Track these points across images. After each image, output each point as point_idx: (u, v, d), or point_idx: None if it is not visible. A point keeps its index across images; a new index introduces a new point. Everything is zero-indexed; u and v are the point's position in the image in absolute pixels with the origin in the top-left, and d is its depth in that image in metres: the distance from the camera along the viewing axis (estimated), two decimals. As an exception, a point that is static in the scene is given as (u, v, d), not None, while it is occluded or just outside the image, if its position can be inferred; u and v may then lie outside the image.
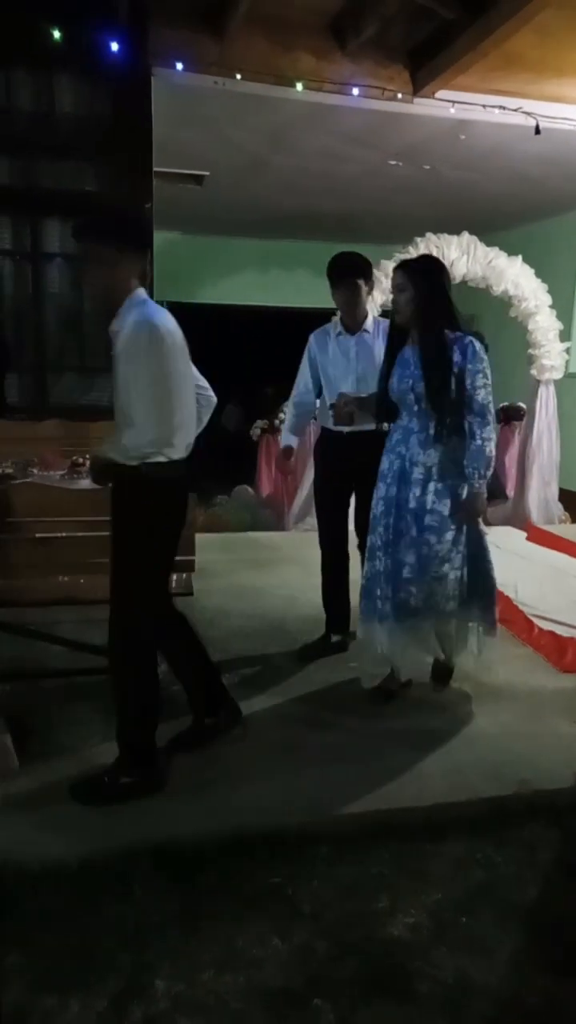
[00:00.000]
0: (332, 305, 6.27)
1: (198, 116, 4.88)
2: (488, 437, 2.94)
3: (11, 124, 4.19)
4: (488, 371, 2.92)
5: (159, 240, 4.40)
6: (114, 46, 4.02)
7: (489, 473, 2.96)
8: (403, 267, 2.96)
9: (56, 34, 3.92)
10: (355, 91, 4.63)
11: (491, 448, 2.94)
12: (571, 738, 3.02)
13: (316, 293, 6.06)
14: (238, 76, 4.32)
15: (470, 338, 2.91)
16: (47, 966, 1.88)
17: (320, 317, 5.17)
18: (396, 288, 2.94)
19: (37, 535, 3.10)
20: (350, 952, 1.96)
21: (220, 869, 2.22)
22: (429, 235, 6.05)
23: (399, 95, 4.74)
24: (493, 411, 2.95)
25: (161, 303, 3.69)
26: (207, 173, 6.02)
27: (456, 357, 2.88)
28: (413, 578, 3.00)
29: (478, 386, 2.90)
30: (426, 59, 4.66)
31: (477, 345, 2.92)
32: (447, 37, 4.38)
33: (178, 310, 7.02)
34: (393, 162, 5.90)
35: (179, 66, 4.19)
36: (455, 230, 6.04)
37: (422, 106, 4.85)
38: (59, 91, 4.25)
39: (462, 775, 2.74)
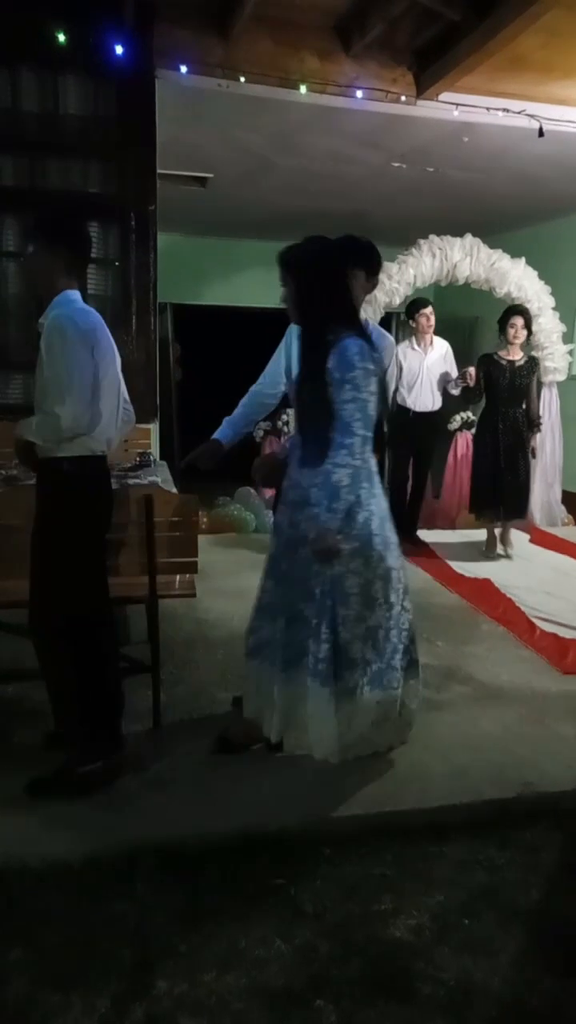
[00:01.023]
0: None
1: (202, 117, 4.89)
2: (340, 463, 2.41)
3: (16, 124, 4.20)
4: (362, 380, 2.42)
5: (163, 242, 4.40)
6: (119, 48, 4.02)
7: (339, 506, 2.43)
8: (279, 258, 2.56)
9: (61, 35, 3.92)
10: (359, 93, 4.63)
11: (341, 476, 2.41)
12: (571, 739, 3.01)
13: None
14: (243, 78, 4.32)
15: (349, 340, 2.43)
16: (50, 964, 1.88)
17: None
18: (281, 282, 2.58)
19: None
20: (353, 953, 1.96)
21: (223, 868, 2.22)
22: (432, 237, 6.06)
23: (403, 97, 4.74)
24: (364, 430, 2.44)
25: (165, 305, 3.70)
26: (211, 175, 6.02)
27: (330, 363, 2.43)
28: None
29: (344, 399, 2.41)
30: (431, 61, 4.65)
31: (353, 347, 2.42)
32: (452, 38, 4.37)
33: (183, 312, 7.05)
34: (397, 164, 5.90)
35: (184, 68, 4.19)
36: (460, 231, 6.05)
37: (426, 108, 4.84)
38: (64, 92, 4.25)
39: (465, 777, 2.74)
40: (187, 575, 2.95)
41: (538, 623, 4.24)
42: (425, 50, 4.67)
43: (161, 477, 3.72)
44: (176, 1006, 1.79)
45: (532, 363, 5.53)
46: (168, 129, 4.44)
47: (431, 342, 5.80)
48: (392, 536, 2.65)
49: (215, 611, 3.92)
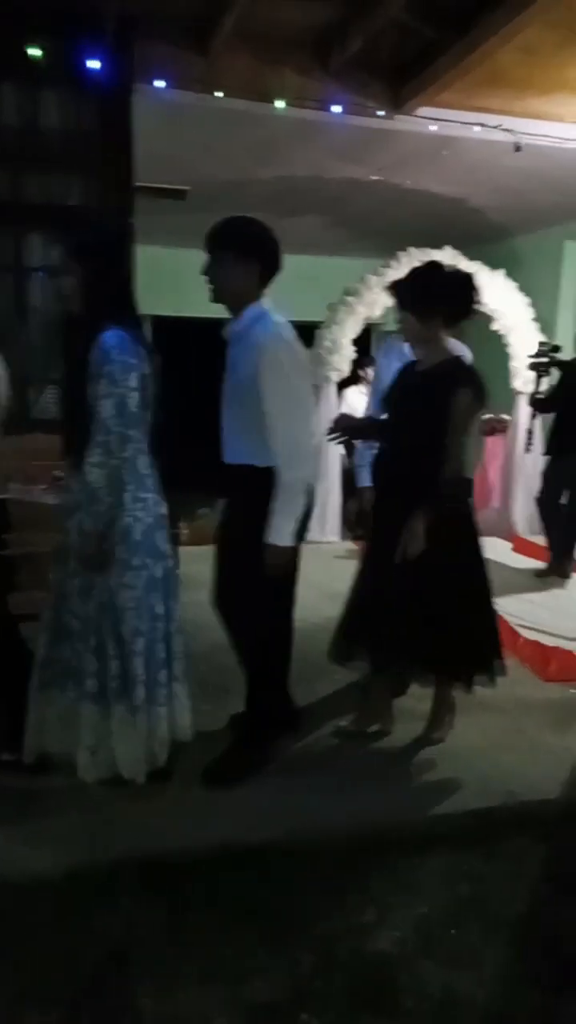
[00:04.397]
0: (319, 318, 6.31)
1: (182, 131, 4.90)
2: (95, 462, 2.31)
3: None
4: (119, 374, 2.30)
5: (143, 254, 4.41)
6: (98, 63, 4.04)
7: (98, 508, 2.34)
8: (64, 245, 2.45)
9: (41, 50, 3.93)
10: (338, 108, 4.67)
11: (97, 476, 2.32)
12: (557, 749, 3.02)
13: (303, 306, 6.10)
14: (222, 93, 4.34)
15: (109, 332, 2.32)
16: (31, 980, 1.86)
17: (307, 330, 5.20)
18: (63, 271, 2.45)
19: (19, 551, 3.07)
20: (337, 966, 1.95)
21: (207, 882, 2.20)
22: (411, 250, 6.11)
23: (382, 112, 4.79)
24: (123, 427, 2.34)
25: (146, 317, 3.70)
26: (189, 188, 6.05)
27: (91, 355, 2.33)
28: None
29: (100, 395, 2.31)
30: (410, 76, 4.70)
31: (111, 339, 2.31)
32: (431, 54, 4.42)
33: (165, 324, 7.04)
34: (375, 177, 5.95)
35: (164, 82, 4.21)
36: (440, 243, 6.10)
37: (404, 123, 4.89)
38: (44, 105, 4.26)
39: (449, 788, 2.74)
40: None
41: (521, 631, 4.25)
42: (404, 66, 4.71)
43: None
44: (158, 1021, 1.76)
45: None
46: (147, 142, 4.45)
47: None
48: (163, 545, 2.54)
49: (195, 622, 3.87)
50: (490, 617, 2.99)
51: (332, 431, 3.03)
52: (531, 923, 2.15)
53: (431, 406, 2.70)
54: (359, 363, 6.55)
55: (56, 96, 4.19)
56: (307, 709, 3.17)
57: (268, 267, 2.57)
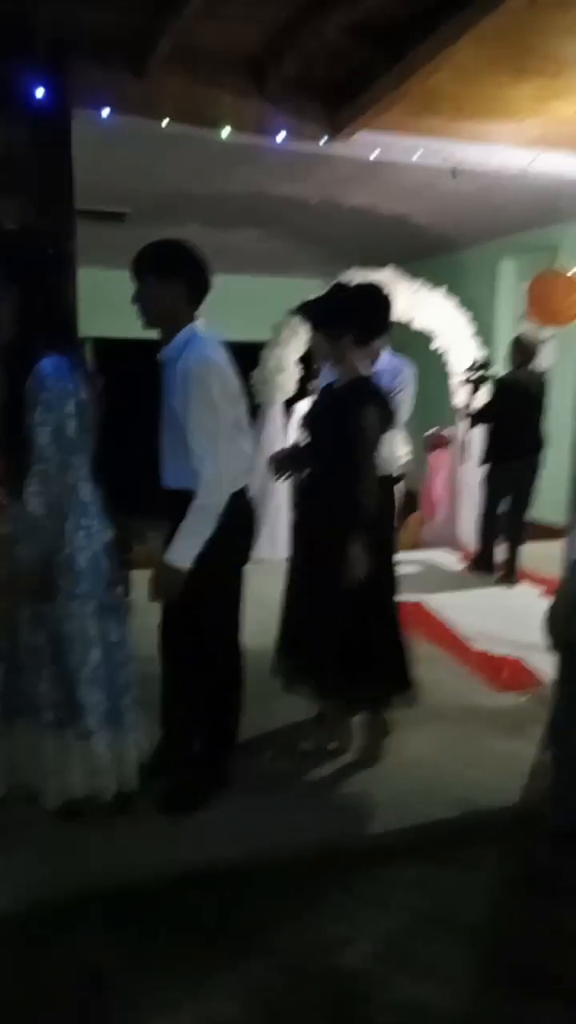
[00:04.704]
0: (262, 337, 6.35)
1: (120, 154, 4.91)
2: (33, 490, 2.29)
3: None
4: (55, 400, 2.28)
5: (85, 276, 4.39)
6: (34, 86, 4.01)
7: (40, 537, 2.33)
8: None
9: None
10: (275, 131, 4.73)
11: (35, 505, 2.30)
12: (509, 755, 3.06)
13: (245, 326, 6.14)
14: (160, 116, 4.35)
15: (47, 358, 2.31)
16: (-4, 1024, 1.80)
17: (249, 350, 5.23)
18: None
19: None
20: (309, 984, 1.95)
21: (173, 907, 2.19)
22: (354, 270, 6.20)
23: (319, 136, 4.86)
24: (61, 454, 2.31)
25: (88, 339, 3.68)
26: (128, 210, 6.05)
27: (28, 382, 2.30)
28: None
29: (36, 423, 2.28)
30: (346, 99, 4.78)
31: (47, 366, 2.30)
32: (366, 78, 4.50)
33: (107, 346, 6.96)
34: (315, 200, 6.04)
35: (100, 105, 4.21)
36: (382, 262, 6.20)
37: (342, 147, 4.97)
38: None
39: (405, 799, 2.76)
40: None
41: (470, 642, 4.32)
42: (340, 89, 4.79)
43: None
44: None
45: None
46: (85, 165, 4.44)
47: None
48: (110, 572, 2.52)
49: (147, 646, 3.81)
50: (401, 638, 3.06)
51: (275, 472, 3.09)
52: (497, 932, 2.17)
53: (340, 425, 2.74)
54: (306, 378, 6.61)
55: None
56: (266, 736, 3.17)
57: (194, 287, 2.54)
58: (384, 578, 2.95)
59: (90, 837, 2.47)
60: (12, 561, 2.41)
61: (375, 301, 3.01)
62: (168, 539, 2.62)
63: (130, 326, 2.67)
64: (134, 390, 4.19)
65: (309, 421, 3.00)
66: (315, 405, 3.07)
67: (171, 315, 2.53)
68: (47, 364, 2.31)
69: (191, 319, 2.55)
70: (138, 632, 2.65)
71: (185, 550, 2.44)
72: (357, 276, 6.06)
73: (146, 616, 2.73)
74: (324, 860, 2.41)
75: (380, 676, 2.95)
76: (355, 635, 2.85)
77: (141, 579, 2.55)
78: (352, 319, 2.81)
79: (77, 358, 2.45)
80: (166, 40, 4.01)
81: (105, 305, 5.18)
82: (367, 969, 2.01)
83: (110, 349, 6.65)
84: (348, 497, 2.69)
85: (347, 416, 2.72)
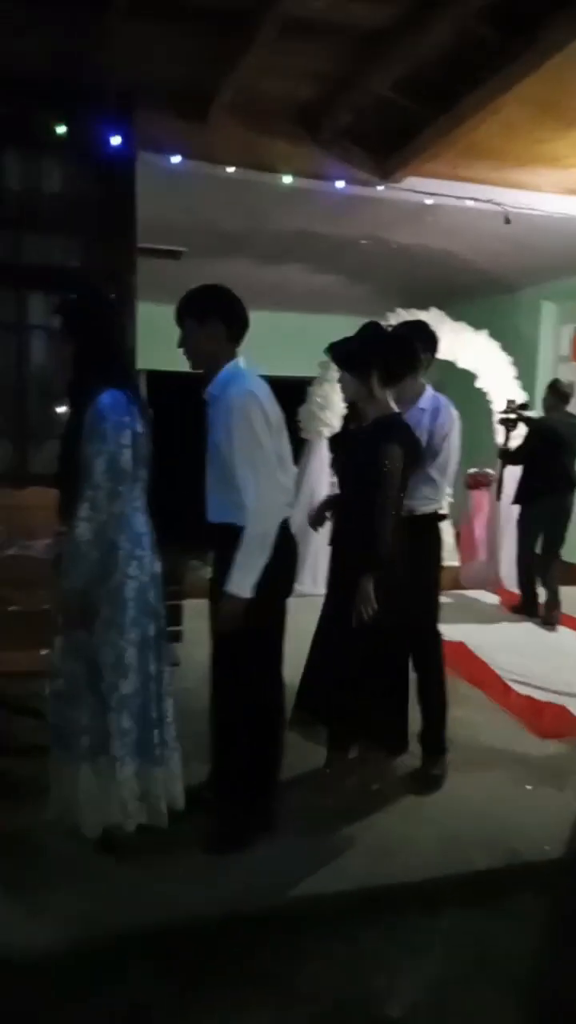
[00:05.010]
0: (309, 373, 6.44)
1: (178, 196, 5.07)
2: (83, 515, 2.35)
3: (2, 203, 4.34)
4: (111, 432, 2.37)
5: (144, 311, 4.52)
6: (103, 133, 4.20)
7: (83, 565, 2.37)
8: (59, 309, 2.56)
9: (47, 120, 4.09)
10: (328, 177, 4.87)
11: (83, 530, 2.35)
12: (558, 804, 3.03)
13: (293, 362, 6.24)
14: (219, 161, 4.52)
15: (105, 392, 2.40)
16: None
17: (294, 387, 5.31)
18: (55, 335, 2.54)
19: (19, 608, 3.08)
20: (353, 1034, 1.93)
21: (214, 951, 2.18)
22: (399, 310, 6.28)
23: (370, 181, 4.99)
24: (112, 483, 2.38)
25: (142, 372, 3.77)
26: (185, 249, 6.21)
27: (86, 415, 2.40)
28: None
29: (92, 453, 2.37)
30: (396, 147, 4.90)
31: (106, 399, 2.39)
32: (415, 127, 4.63)
33: (159, 379, 7.09)
34: (364, 241, 6.16)
35: (164, 150, 4.38)
36: (426, 303, 6.27)
37: (391, 191, 5.10)
38: (48, 172, 4.41)
39: (452, 845, 2.74)
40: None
41: (513, 685, 4.28)
42: (390, 138, 4.92)
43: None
44: None
45: None
46: (145, 206, 4.61)
47: None
48: (156, 604, 2.56)
49: (195, 679, 3.82)
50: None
51: (312, 523, 3.17)
52: (542, 982, 2.14)
53: (365, 462, 2.78)
54: (351, 416, 6.66)
55: (60, 163, 4.35)
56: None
57: (232, 326, 2.63)
58: (421, 616, 2.97)
59: (131, 872, 2.48)
60: (59, 588, 2.46)
61: (402, 341, 3.05)
62: (215, 571, 2.67)
63: (182, 360, 2.78)
64: (182, 423, 4.29)
65: (338, 460, 3.03)
66: (343, 444, 3.10)
67: (213, 355, 2.63)
68: (105, 397, 2.40)
69: (232, 356, 2.65)
70: (187, 663, 2.67)
71: (243, 580, 2.49)
72: (402, 316, 6.16)
73: (195, 648, 2.75)
74: (367, 905, 2.40)
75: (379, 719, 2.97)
76: (368, 676, 2.85)
77: (191, 609, 2.57)
78: (378, 358, 2.85)
79: (134, 391, 2.54)
80: (226, 91, 4.18)
81: (159, 339, 5.31)
82: (409, 1021, 1.98)
83: (162, 382, 6.82)
84: (365, 534, 2.72)
85: (371, 454, 2.76)
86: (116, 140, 4.27)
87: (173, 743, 2.62)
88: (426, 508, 3.12)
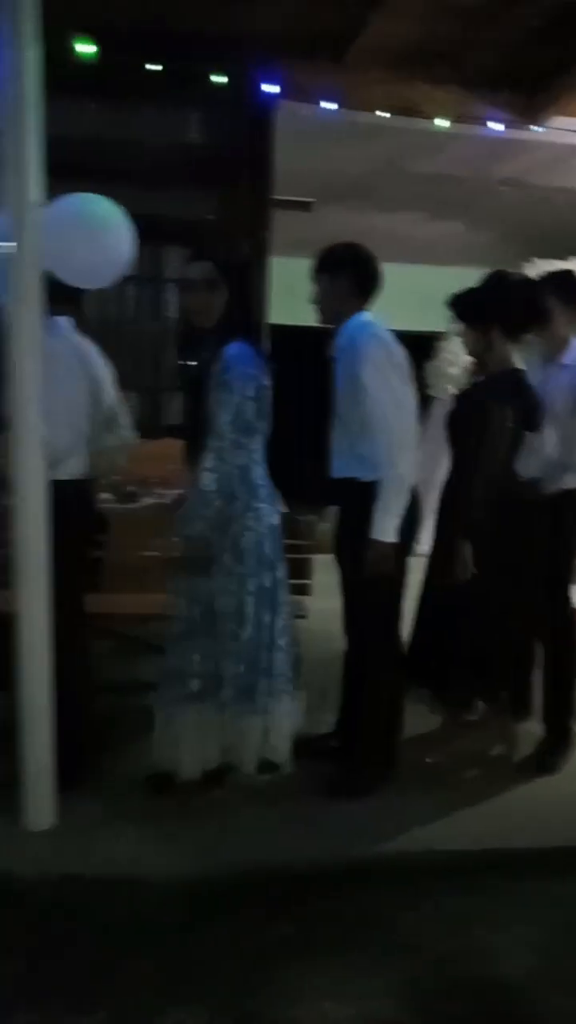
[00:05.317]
0: (439, 328, 6.27)
1: (313, 145, 4.98)
2: (208, 466, 2.39)
3: (138, 156, 4.40)
4: (238, 385, 2.40)
5: (276, 265, 4.52)
6: (243, 83, 4.16)
7: (207, 512, 2.41)
8: (210, 258, 2.52)
9: (191, 72, 4.09)
10: (471, 119, 4.66)
11: (208, 480, 2.40)
12: None
13: (419, 317, 6.08)
14: (361, 107, 4.41)
15: (234, 344, 2.44)
16: (170, 979, 1.93)
17: (423, 342, 5.17)
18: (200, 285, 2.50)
19: (152, 553, 3.20)
20: (463, 991, 1.95)
21: (329, 896, 2.24)
22: (535, 260, 5.99)
23: (516, 123, 4.74)
24: (236, 434, 2.41)
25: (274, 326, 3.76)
26: (314, 200, 6.13)
27: (214, 365, 2.44)
28: None
29: (218, 403, 2.40)
30: (543, 88, 4.63)
31: (232, 351, 2.42)
32: (564, 65, 4.35)
33: (294, 333, 7.09)
34: (504, 188, 5.88)
35: (304, 99, 4.31)
36: (563, 253, 5.95)
37: (537, 133, 4.83)
38: (183, 124, 4.43)
39: (571, 813, 2.69)
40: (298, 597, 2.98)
41: None
42: (537, 76, 4.64)
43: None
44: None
45: None
46: (279, 156, 4.56)
47: None
48: (273, 555, 2.57)
49: (320, 632, 3.82)
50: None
51: None
52: None
53: (473, 420, 2.68)
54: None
55: (198, 114, 4.35)
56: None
57: (365, 284, 2.68)
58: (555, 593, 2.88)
59: (255, 816, 2.59)
60: (180, 535, 2.54)
61: (527, 291, 2.89)
62: (340, 526, 2.69)
63: (304, 314, 2.79)
64: (303, 377, 4.30)
65: (449, 418, 2.94)
66: (457, 401, 3.01)
67: (341, 309, 2.67)
68: (233, 348, 2.43)
69: (359, 311, 2.66)
70: (316, 616, 2.70)
71: (387, 524, 2.52)
72: (539, 268, 5.86)
73: (323, 600, 2.78)
74: (482, 866, 2.40)
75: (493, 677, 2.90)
76: (476, 639, 2.80)
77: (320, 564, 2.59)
78: (499, 310, 2.74)
79: (260, 344, 2.58)
80: (365, 34, 4.05)
81: (283, 292, 5.31)
82: (518, 981, 1.98)
83: (284, 335, 6.82)
84: (461, 496, 2.65)
85: (479, 410, 2.67)
86: (255, 90, 4.21)
87: (284, 694, 2.65)
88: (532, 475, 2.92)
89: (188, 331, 2.67)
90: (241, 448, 2.45)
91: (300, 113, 4.35)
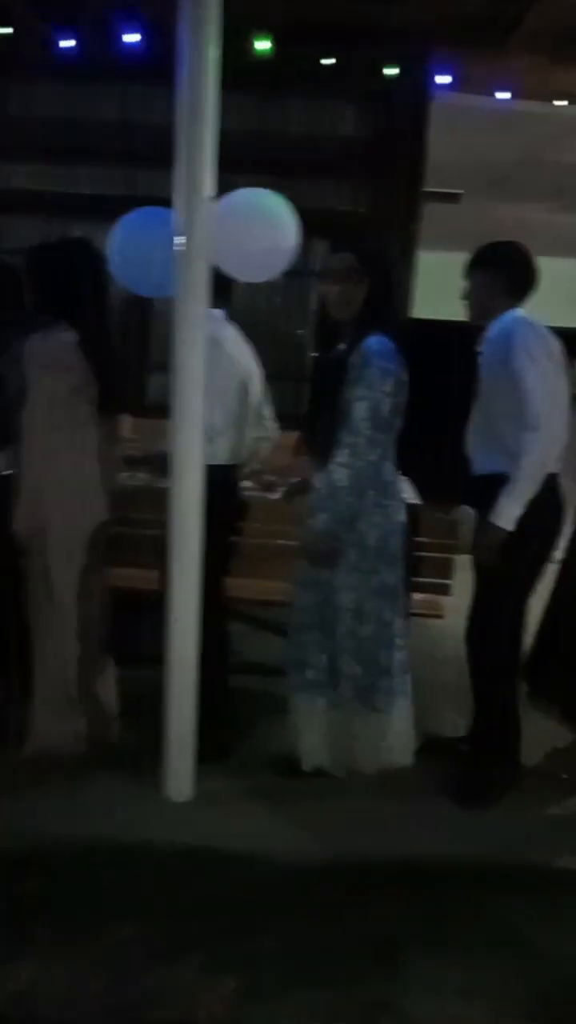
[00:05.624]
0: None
1: (464, 134, 4.89)
2: (342, 462, 2.37)
3: (287, 147, 4.43)
4: (377, 378, 2.37)
5: (424, 260, 4.47)
6: (395, 74, 4.13)
7: (338, 508, 2.41)
8: (353, 249, 2.50)
9: (345, 63, 4.08)
10: None
11: (341, 476, 2.37)
12: None
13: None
14: (515, 94, 4.29)
15: (373, 337, 2.41)
16: (298, 963, 1.96)
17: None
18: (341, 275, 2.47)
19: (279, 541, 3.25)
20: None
21: (460, 897, 2.23)
22: None
23: None
24: (372, 431, 2.38)
25: (420, 321, 3.70)
26: (462, 191, 6.03)
27: (352, 358, 2.42)
28: None
29: (356, 397, 2.37)
30: None
31: (373, 343, 2.39)
32: None
33: (443, 328, 7.02)
34: None
35: (458, 88, 4.23)
36: None
37: None
38: (334, 114, 4.43)
39: None
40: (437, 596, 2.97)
41: None
42: None
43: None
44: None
45: None
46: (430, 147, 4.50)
47: None
48: (398, 552, 2.54)
49: (455, 630, 3.80)
50: None
51: None
52: None
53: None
54: None
55: (350, 105, 4.34)
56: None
57: (518, 280, 2.61)
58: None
59: (385, 809, 2.60)
60: (306, 527, 2.56)
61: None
62: (479, 525, 2.64)
63: (447, 308, 2.75)
64: (445, 372, 4.23)
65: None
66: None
67: (493, 307, 2.61)
68: (373, 342, 2.40)
69: (512, 308, 2.61)
70: (453, 616, 2.66)
71: (508, 510, 2.45)
72: None
73: (465, 599, 2.75)
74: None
75: None
76: None
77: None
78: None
79: (400, 338, 2.53)
80: (523, 22, 3.93)
81: (427, 286, 5.24)
82: None
83: (422, 330, 6.74)
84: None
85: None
86: (408, 81, 4.16)
87: (401, 695, 2.63)
88: None
89: (325, 322, 2.66)
90: (375, 444, 2.43)
91: (452, 103, 4.27)
